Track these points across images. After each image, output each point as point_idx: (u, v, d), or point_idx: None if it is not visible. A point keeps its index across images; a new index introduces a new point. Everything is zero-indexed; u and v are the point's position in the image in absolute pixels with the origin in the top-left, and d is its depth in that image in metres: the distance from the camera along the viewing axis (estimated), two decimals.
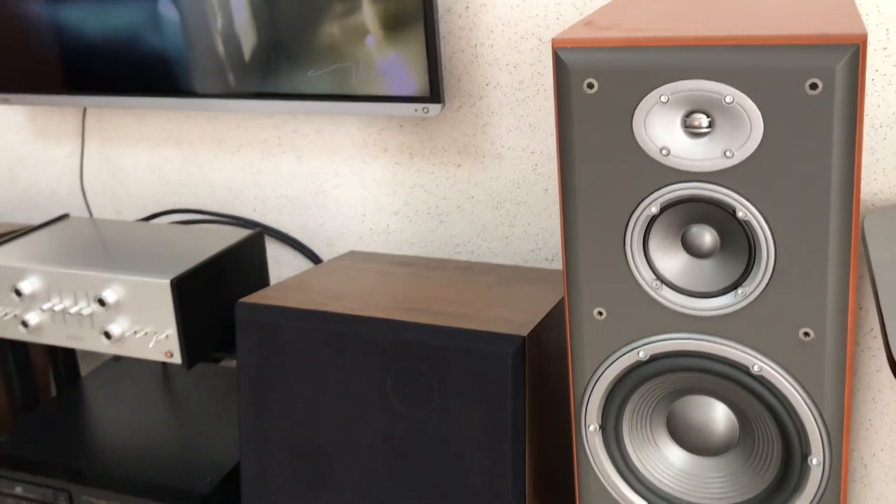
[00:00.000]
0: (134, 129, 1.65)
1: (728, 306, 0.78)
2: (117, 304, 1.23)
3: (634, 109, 0.76)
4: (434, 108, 1.32)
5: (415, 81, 1.32)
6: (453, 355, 1.01)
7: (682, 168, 0.76)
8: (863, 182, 1.22)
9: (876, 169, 1.21)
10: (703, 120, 0.74)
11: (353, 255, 1.35)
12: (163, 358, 1.22)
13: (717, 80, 0.72)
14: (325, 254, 1.57)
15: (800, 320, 0.77)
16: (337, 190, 1.53)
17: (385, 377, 1.05)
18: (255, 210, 1.60)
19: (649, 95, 0.75)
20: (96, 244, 1.34)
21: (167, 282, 1.18)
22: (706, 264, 0.79)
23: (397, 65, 1.32)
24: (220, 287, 1.27)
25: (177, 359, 1.21)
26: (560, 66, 0.77)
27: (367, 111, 1.36)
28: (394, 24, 1.31)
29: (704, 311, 0.79)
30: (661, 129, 0.76)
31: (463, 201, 1.45)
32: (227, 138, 1.58)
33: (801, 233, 0.74)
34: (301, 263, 1.60)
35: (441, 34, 1.37)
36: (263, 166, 1.56)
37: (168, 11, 1.42)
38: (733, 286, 0.78)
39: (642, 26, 0.80)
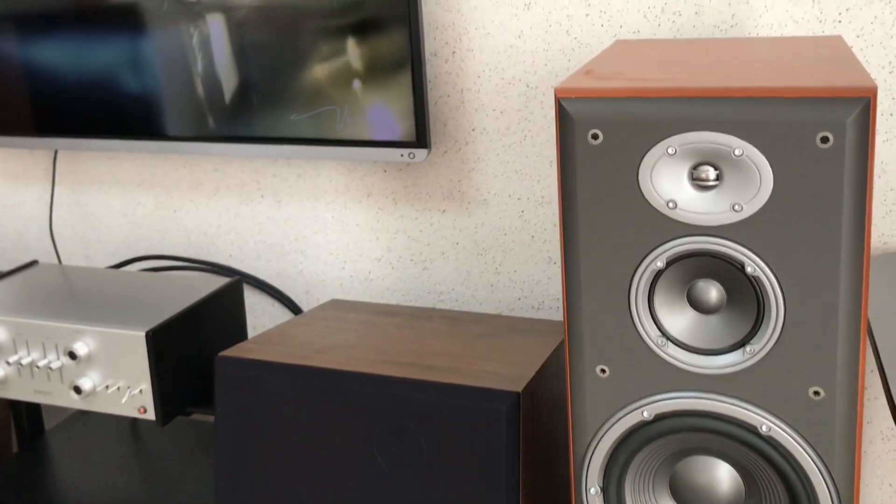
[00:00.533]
0: (106, 173, 1.60)
1: (736, 364, 0.76)
2: (88, 357, 1.17)
3: (640, 161, 0.73)
4: (420, 154, 1.30)
5: (401, 126, 1.29)
6: (443, 412, 0.97)
7: (689, 222, 0.73)
8: None
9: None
10: (710, 173, 0.72)
11: (335, 305, 1.31)
12: (136, 414, 1.16)
13: (725, 133, 0.70)
14: (303, 302, 1.53)
15: (809, 379, 0.74)
16: (317, 236, 1.49)
17: (371, 434, 1.00)
18: (231, 256, 1.55)
19: (656, 147, 0.73)
20: (66, 293, 1.29)
21: (142, 334, 1.13)
22: (713, 320, 0.77)
23: (383, 109, 1.30)
24: (197, 339, 1.22)
25: (150, 415, 1.16)
26: (564, 117, 0.75)
27: (352, 156, 1.33)
28: (380, 68, 1.28)
29: (711, 369, 0.76)
30: (667, 181, 0.73)
31: (447, 248, 1.42)
32: (203, 182, 1.54)
33: (811, 289, 0.72)
34: (278, 312, 1.55)
35: (427, 78, 1.35)
36: (241, 211, 1.52)
37: (146, 52, 1.39)
38: (741, 343, 0.76)
39: (645, 76, 0.78)
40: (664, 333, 0.77)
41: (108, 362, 1.16)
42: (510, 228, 1.38)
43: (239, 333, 1.32)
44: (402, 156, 1.31)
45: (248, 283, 1.54)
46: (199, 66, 1.37)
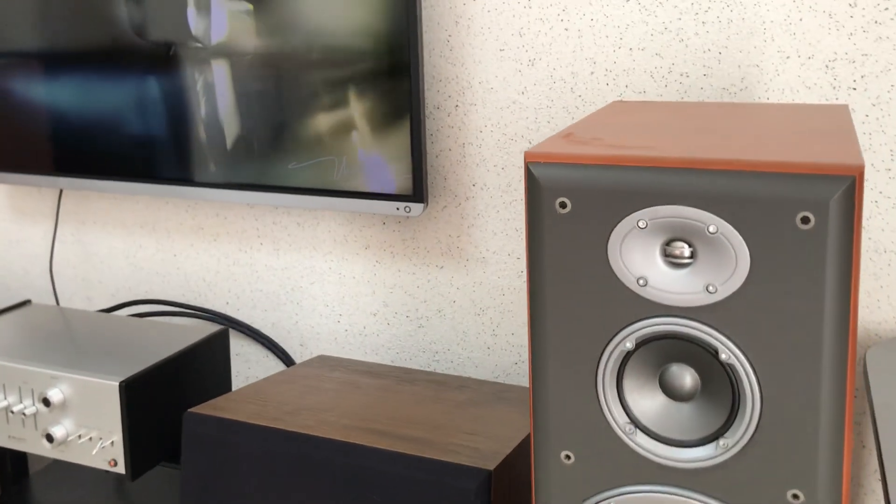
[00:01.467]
0: (110, 214, 1.59)
1: (708, 459, 0.69)
2: (63, 405, 1.14)
3: (610, 234, 0.68)
4: (416, 208, 1.26)
5: (398, 179, 1.26)
6: (410, 486, 0.92)
7: (660, 301, 0.68)
8: (866, 310, 1.14)
9: (880, 296, 1.13)
10: (684, 250, 0.67)
11: (321, 361, 1.27)
12: (106, 466, 1.13)
13: (699, 208, 0.65)
14: (297, 354, 1.49)
15: (788, 480, 0.68)
16: (313, 287, 1.45)
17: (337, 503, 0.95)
18: (227, 304, 1.52)
19: (626, 219, 0.68)
20: (51, 336, 1.26)
21: (116, 384, 1.10)
22: (686, 409, 0.71)
23: (381, 161, 1.27)
24: (176, 390, 1.18)
25: (121, 468, 1.12)
26: (531, 182, 0.71)
27: (348, 207, 1.29)
28: (379, 120, 1.25)
29: (682, 462, 0.70)
30: (638, 256, 0.68)
31: (444, 306, 1.37)
32: (204, 226, 1.51)
33: (790, 381, 0.66)
34: (272, 364, 1.52)
35: (429, 131, 1.32)
36: (240, 258, 1.50)
37: (152, 96, 1.38)
38: (714, 436, 0.69)
39: (625, 142, 0.73)
40: (633, 420, 0.71)
41: (81, 411, 1.13)
42: (508, 289, 1.33)
43: (223, 385, 1.28)
44: (398, 209, 1.27)
45: (243, 332, 1.51)
46: (203, 112, 1.35)
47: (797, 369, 0.66)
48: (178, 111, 1.37)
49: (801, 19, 1.10)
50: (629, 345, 0.70)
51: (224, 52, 1.31)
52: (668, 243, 0.67)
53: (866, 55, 1.09)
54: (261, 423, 1.00)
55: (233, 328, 1.51)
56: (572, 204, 0.69)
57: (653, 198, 0.66)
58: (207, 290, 1.53)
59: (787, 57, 1.12)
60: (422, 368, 1.40)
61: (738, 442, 0.68)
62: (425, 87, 1.31)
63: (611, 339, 0.70)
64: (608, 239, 0.68)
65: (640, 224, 0.67)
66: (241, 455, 0.99)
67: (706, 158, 0.65)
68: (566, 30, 1.21)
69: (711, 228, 0.65)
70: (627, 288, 0.69)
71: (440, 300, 1.37)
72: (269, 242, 1.47)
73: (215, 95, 1.34)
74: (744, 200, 0.64)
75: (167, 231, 1.55)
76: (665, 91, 1.18)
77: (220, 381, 1.27)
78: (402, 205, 1.27)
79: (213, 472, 1.01)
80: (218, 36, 1.31)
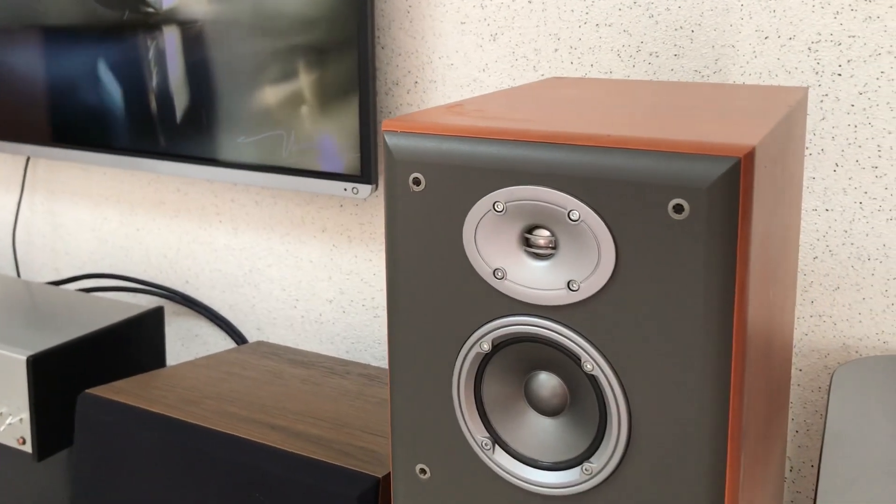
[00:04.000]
0: (78, 184, 1.54)
1: (571, 485, 0.59)
2: None
3: (465, 217, 0.59)
4: (364, 189, 1.18)
5: (347, 158, 1.18)
6: (294, 489, 0.84)
7: (518, 297, 0.58)
8: (846, 324, 1.02)
9: (861, 309, 1.00)
10: (543, 239, 0.57)
11: (257, 346, 1.19)
12: (15, 444, 1.07)
13: (560, 190, 0.55)
14: (253, 338, 1.42)
15: None
16: (271, 269, 1.38)
17: (220, 500, 0.88)
18: (188, 282, 1.46)
19: (482, 201, 0.58)
20: None
21: (23, 358, 1.05)
22: (551, 425, 0.61)
23: (330, 139, 1.19)
24: (96, 369, 1.12)
25: (28, 447, 1.06)
26: (388, 155, 0.62)
27: (293, 185, 1.22)
28: (330, 95, 1.17)
29: (543, 486, 0.60)
30: (496, 245, 0.58)
31: None
32: (166, 201, 1.46)
33: (663, 396, 0.56)
34: (229, 347, 1.45)
35: (387, 109, 1.23)
36: (199, 235, 1.43)
37: (106, 63, 1.32)
38: (580, 459, 0.59)
39: (504, 115, 0.64)
40: (491, 434, 0.62)
41: None
42: None
43: (153, 366, 1.22)
44: (345, 190, 1.19)
45: (201, 313, 1.45)
46: (154, 81, 1.29)
47: (670, 383, 0.55)
48: (131, 80, 1.31)
49: None
50: (485, 346, 0.60)
51: (175, 17, 1.25)
52: (528, 231, 0.58)
53: (854, 37, 0.96)
54: (153, 410, 0.93)
55: (192, 308, 1.45)
56: (427, 181, 0.60)
57: (511, 177, 0.57)
58: (169, 267, 1.48)
59: (766, 37, 1.00)
60: (376, 360, 1.32)
61: (604, 467, 0.58)
62: (385, 62, 1.22)
63: (466, 340, 0.61)
64: (463, 223, 0.59)
65: (497, 207, 0.57)
66: (132, 442, 0.93)
67: (569, 133, 0.55)
68: (529, 2, 1.11)
69: (573, 214, 0.55)
70: (483, 281, 0.59)
71: None
72: (228, 220, 1.40)
73: (166, 64, 1.28)
74: (609, 183, 0.54)
75: (130, 204, 1.49)
76: (633, 72, 1.07)
77: (150, 361, 1.20)
78: (349, 185, 1.19)
79: (104, 458, 0.94)
80: (170, 1, 1.25)
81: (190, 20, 1.24)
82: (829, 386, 0.92)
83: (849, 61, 0.97)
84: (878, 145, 0.97)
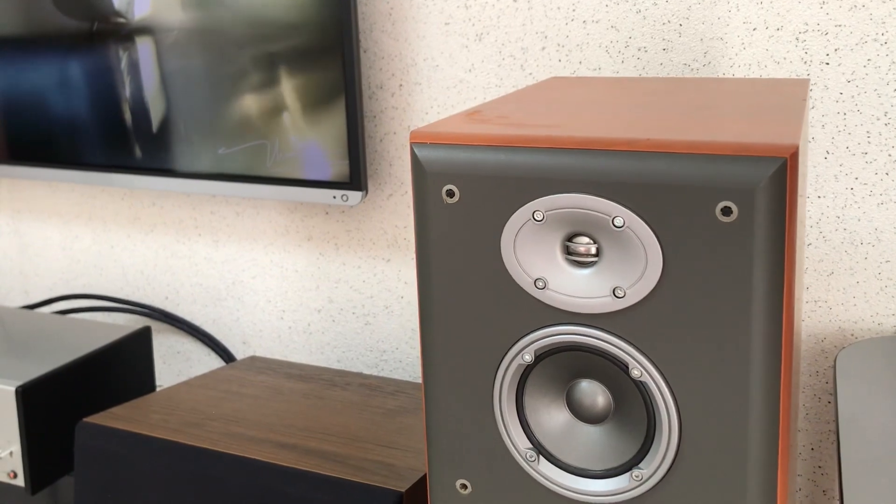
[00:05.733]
0: (46, 202, 1.49)
1: (620, 492, 0.59)
2: None
3: (503, 228, 0.58)
4: (354, 197, 1.16)
5: (334, 165, 1.16)
6: None
7: (561, 307, 0.58)
8: (841, 308, 1.03)
9: (856, 293, 1.02)
10: (588, 246, 0.56)
11: (251, 362, 1.17)
12: (6, 479, 1.03)
13: (602, 197, 0.55)
14: (239, 352, 1.39)
15: None
16: (255, 280, 1.36)
17: None
18: (167, 298, 1.43)
19: (520, 211, 0.57)
20: None
21: (12, 389, 1.01)
22: (597, 433, 0.60)
23: (316, 146, 1.16)
24: (86, 395, 1.09)
25: (20, 481, 1.03)
26: (416, 167, 0.60)
27: (281, 195, 1.19)
28: (314, 102, 1.15)
29: (591, 495, 0.60)
30: (536, 254, 0.58)
31: (392, 302, 1.27)
32: (141, 216, 1.42)
33: (713, 400, 0.56)
34: (213, 362, 1.42)
35: (372, 113, 1.22)
36: (178, 249, 1.40)
37: (75, 77, 1.28)
38: (628, 465, 0.59)
39: (531, 122, 0.63)
40: (535, 445, 0.61)
41: None
42: None
43: (143, 389, 1.18)
44: (334, 198, 1.17)
45: (183, 329, 1.41)
46: (128, 93, 1.26)
47: (721, 387, 0.55)
48: (103, 93, 1.27)
49: None
50: (528, 357, 0.59)
51: (148, 27, 1.21)
52: (569, 239, 0.57)
53: (840, 26, 0.97)
54: (157, 436, 0.90)
55: (173, 325, 1.42)
56: (461, 192, 0.59)
57: (550, 185, 0.56)
58: (146, 283, 1.44)
59: (754, 28, 1.01)
60: (368, 368, 1.31)
61: (654, 473, 0.58)
62: (367, 65, 1.21)
63: (507, 351, 0.60)
64: (501, 234, 0.58)
65: (537, 216, 0.57)
66: (137, 470, 0.90)
67: (609, 138, 0.55)
68: (515, 0, 1.11)
69: (617, 221, 0.55)
70: (524, 291, 0.58)
71: (387, 296, 1.27)
72: (208, 233, 1.37)
73: (140, 75, 1.24)
74: (654, 188, 0.53)
75: (103, 221, 1.45)
76: (622, 67, 1.07)
77: (140, 383, 1.17)
78: (338, 193, 1.17)
79: (108, 488, 0.91)
80: (141, 11, 1.21)
81: (164, 29, 1.20)
82: (834, 370, 0.93)
83: (836, 50, 0.98)
84: (868, 131, 0.98)
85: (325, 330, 1.33)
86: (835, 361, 0.94)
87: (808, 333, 1.06)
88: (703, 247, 0.53)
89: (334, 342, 1.33)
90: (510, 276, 0.58)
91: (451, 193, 0.59)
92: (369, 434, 0.92)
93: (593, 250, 0.56)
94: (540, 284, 0.58)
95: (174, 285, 1.42)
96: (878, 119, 0.98)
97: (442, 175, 0.59)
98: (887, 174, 0.99)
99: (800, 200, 0.60)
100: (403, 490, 0.80)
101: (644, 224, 0.54)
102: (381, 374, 1.29)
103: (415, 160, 0.60)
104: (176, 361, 1.45)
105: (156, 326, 1.45)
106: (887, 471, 0.74)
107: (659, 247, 0.54)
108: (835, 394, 0.89)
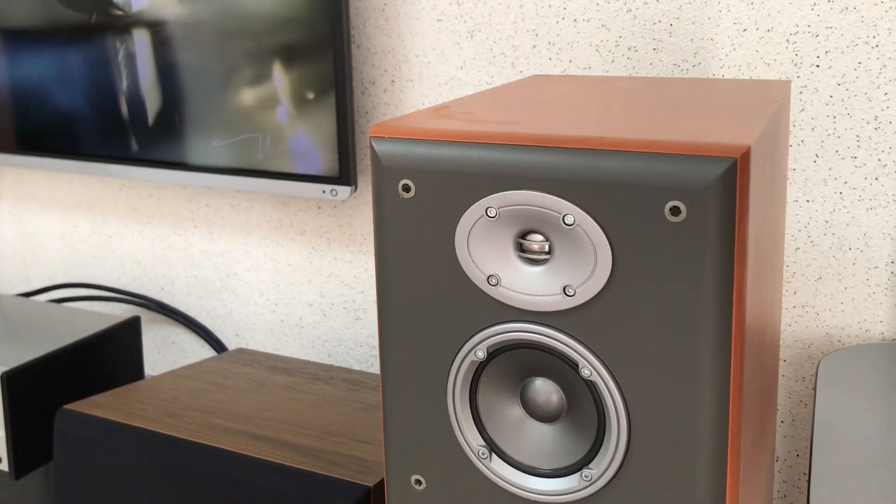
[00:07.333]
0: (47, 192, 1.51)
1: (570, 492, 0.59)
2: None
3: (457, 224, 0.58)
4: (343, 191, 1.16)
5: (325, 160, 1.16)
6: (284, 501, 0.82)
7: (513, 304, 0.57)
8: (828, 314, 1.02)
9: (844, 299, 1.01)
10: (538, 244, 0.56)
11: (238, 354, 1.17)
12: None
13: (553, 194, 0.54)
14: (232, 344, 1.40)
15: None
16: (248, 273, 1.36)
17: None
18: (163, 289, 1.44)
19: (474, 207, 0.57)
20: None
21: None
22: (548, 431, 0.60)
23: (307, 141, 1.17)
24: (72, 383, 1.10)
25: (4, 465, 1.04)
26: (375, 161, 0.60)
27: (271, 189, 1.20)
28: (306, 96, 1.15)
29: (541, 494, 0.60)
30: (489, 252, 0.57)
31: None
32: (138, 207, 1.43)
33: (662, 401, 0.55)
34: (207, 354, 1.43)
35: (364, 108, 1.22)
36: (174, 241, 1.41)
37: (74, 68, 1.29)
38: (578, 465, 0.59)
39: (493, 118, 0.63)
40: (488, 443, 0.61)
41: None
42: None
43: (131, 378, 1.19)
44: (324, 192, 1.17)
45: (178, 320, 1.42)
46: (125, 85, 1.27)
47: (670, 387, 0.55)
48: (100, 84, 1.28)
49: None
50: (480, 354, 0.59)
51: (145, 19, 1.22)
52: (522, 237, 0.57)
53: (831, 28, 0.96)
54: (135, 425, 0.91)
55: (168, 316, 1.43)
56: (417, 187, 0.59)
57: (503, 182, 0.56)
58: (143, 274, 1.45)
59: (745, 29, 1.00)
60: (358, 364, 1.31)
61: (603, 473, 0.57)
62: (360, 61, 1.21)
63: (460, 348, 0.60)
64: (455, 230, 0.58)
65: (490, 213, 0.56)
66: (113, 458, 0.90)
67: (562, 136, 0.54)
68: None
69: (568, 219, 0.54)
70: (477, 288, 0.58)
71: None
72: (204, 226, 1.38)
73: (136, 67, 1.25)
74: (604, 186, 0.53)
75: (101, 212, 1.46)
76: (612, 67, 1.07)
77: (128, 372, 1.18)
78: (328, 187, 1.17)
79: (85, 474, 0.92)
80: (139, 3, 1.22)
81: (160, 22, 1.21)
82: (816, 376, 0.92)
83: (826, 52, 0.97)
84: (857, 135, 0.97)
85: (317, 324, 1.33)
86: (817, 367, 0.93)
87: (795, 339, 1.05)
88: (652, 246, 0.53)
89: (325, 336, 1.33)
90: (464, 272, 0.58)
91: (407, 188, 0.59)
92: (345, 429, 0.93)
93: (546, 248, 0.56)
94: (493, 281, 0.58)
95: (170, 276, 1.43)
96: (868, 123, 0.96)
97: (398, 170, 0.59)
98: (877, 179, 0.97)
99: (762, 203, 0.59)
100: (371, 485, 0.80)
101: (594, 222, 0.54)
102: (372, 370, 1.29)
103: (373, 154, 0.60)
104: (170, 352, 1.46)
105: (151, 317, 1.47)
106: (857, 478, 0.73)
107: (609, 246, 0.54)
108: (814, 400, 0.88)
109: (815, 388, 0.90)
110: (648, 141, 0.53)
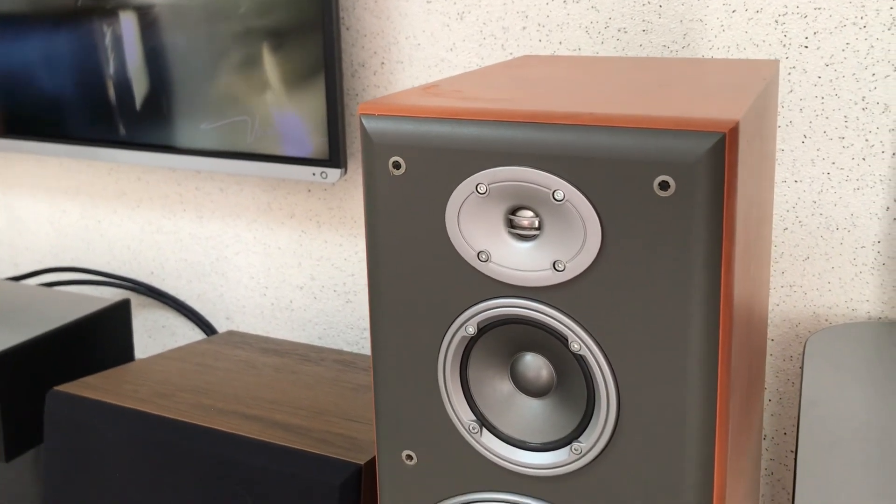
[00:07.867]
0: (35, 176, 1.50)
1: (560, 465, 0.59)
2: None
3: (447, 200, 0.58)
4: (333, 174, 1.16)
5: (314, 143, 1.16)
6: (276, 480, 0.83)
7: (503, 279, 0.58)
8: (815, 293, 1.03)
9: (831, 278, 1.02)
10: (528, 220, 0.56)
11: (228, 336, 1.18)
12: None
13: (543, 170, 0.55)
14: (223, 328, 1.40)
15: (651, 492, 0.58)
16: (238, 257, 1.36)
17: (201, 495, 0.86)
18: (153, 273, 1.44)
19: (464, 183, 0.57)
20: None
21: None
22: (539, 406, 0.61)
23: (297, 123, 1.17)
24: (61, 366, 1.10)
25: None
26: (365, 138, 0.60)
27: (261, 172, 1.20)
28: (294, 78, 1.15)
29: (531, 467, 0.60)
30: (479, 227, 0.58)
31: None
32: (127, 191, 1.43)
33: (651, 375, 0.56)
34: (197, 337, 1.43)
35: (354, 91, 1.22)
36: (163, 225, 1.41)
37: (61, 51, 1.29)
38: (568, 439, 0.59)
39: (483, 95, 0.63)
40: (478, 417, 0.61)
41: None
42: None
43: (121, 360, 1.19)
44: (313, 175, 1.17)
45: (168, 304, 1.42)
46: (112, 68, 1.26)
47: (659, 361, 0.55)
48: (88, 67, 1.28)
49: None
50: (471, 329, 0.59)
51: (132, 3, 1.21)
52: (512, 212, 0.57)
53: (819, 9, 0.96)
54: (125, 406, 0.91)
55: (158, 300, 1.43)
56: (407, 164, 0.59)
57: (493, 158, 0.56)
58: (132, 258, 1.45)
59: (734, 10, 1.00)
60: (349, 346, 1.31)
61: (593, 446, 0.58)
62: (350, 43, 1.20)
63: (451, 324, 0.60)
64: (445, 206, 0.58)
65: (480, 189, 0.57)
66: (104, 439, 0.91)
67: (551, 111, 0.54)
68: None
69: (557, 194, 0.55)
70: (467, 263, 0.58)
71: None
72: (193, 209, 1.38)
73: (124, 50, 1.24)
74: (594, 162, 0.53)
75: (90, 195, 1.46)
76: (602, 48, 1.07)
77: (118, 355, 1.18)
78: (318, 170, 1.17)
79: (76, 456, 0.92)
80: None
81: (148, 4, 1.20)
82: (803, 355, 0.93)
83: (815, 33, 0.97)
84: (845, 116, 0.98)
85: (307, 307, 1.33)
86: (804, 346, 0.94)
87: (783, 318, 1.05)
88: (641, 221, 0.53)
89: (316, 319, 1.33)
90: (454, 248, 0.59)
91: (397, 165, 0.59)
92: (336, 408, 0.93)
93: (536, 224, 0.56)
94: (483, 257, 0.58)
95: (159, 260, 1.42)
96: (856, 104, 0.97)
97: (388, 147, 0.59)
98: (864, 159, 0.98)
99: (751, 179, 0.60)
100: (363, 463, 0.81)
101: (584, 198, 0.54)
102: (363, 352, 1.30)
103: (363, 131, 0.60)
104: (161, 336, 1.46)
105: (141, 301, 1.46)
106: (843, 454, 0.74)
107: (598, 221, 0.54)
108: (801, 377, 0.89)
109: (802, 367, 0.90)
110: (637, 116, 0.53)
